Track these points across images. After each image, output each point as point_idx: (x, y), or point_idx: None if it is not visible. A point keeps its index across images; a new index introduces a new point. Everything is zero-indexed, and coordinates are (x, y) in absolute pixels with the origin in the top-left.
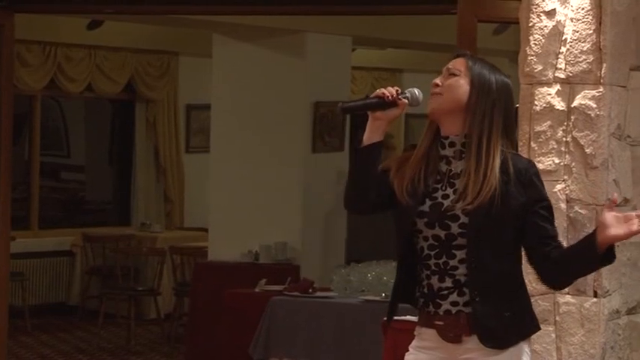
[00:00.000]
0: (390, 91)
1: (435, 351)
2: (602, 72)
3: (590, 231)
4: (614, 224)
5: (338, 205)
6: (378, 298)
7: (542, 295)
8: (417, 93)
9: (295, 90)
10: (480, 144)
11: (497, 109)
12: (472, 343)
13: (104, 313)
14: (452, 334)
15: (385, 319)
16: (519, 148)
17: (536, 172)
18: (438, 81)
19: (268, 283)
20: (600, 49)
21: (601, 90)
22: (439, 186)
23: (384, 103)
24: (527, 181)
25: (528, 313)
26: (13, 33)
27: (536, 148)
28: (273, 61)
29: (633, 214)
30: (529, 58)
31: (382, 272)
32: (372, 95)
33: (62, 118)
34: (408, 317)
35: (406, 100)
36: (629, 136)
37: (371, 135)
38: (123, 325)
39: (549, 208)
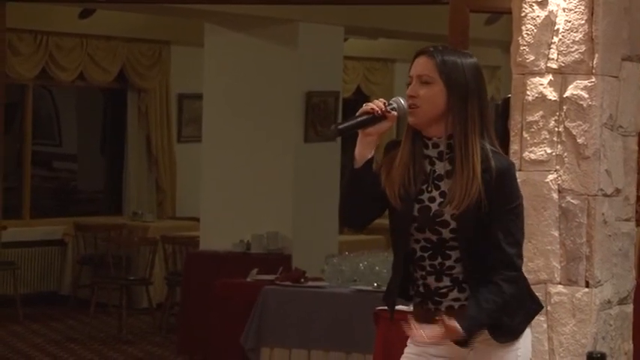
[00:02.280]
0: (378, 105)
1: (438, 345)
2: (594, 62)
3: (582, 221)
4: None
5: (329, 195)
6: (369, 288)
7: (533, 285)
8: (402, 102)
9: (287, 80)
10: (462, 145)
11: (472, 105)
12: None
13: (96, 303)
14: None
15: (386, 309)
16: (511, 139)
17: (512, 174)
18: (412, 92)
19: (260, 273)
20: (592, 39)
21: (593, 80)
22: (424, 187)
23: (375, 118)
24: (500, 182)
25: (528, 295)
26: (4, 22)
27: (528, 138)
28: (265, 50)
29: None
30: (521, 48)
31: (374, 262)
32: (360, 112)
33: (54, 107)
34: (400, 307)
35: (395, 113)
36: (621, 126)
37: (363, 151)
38: (114, 315)
39: (512, 211)
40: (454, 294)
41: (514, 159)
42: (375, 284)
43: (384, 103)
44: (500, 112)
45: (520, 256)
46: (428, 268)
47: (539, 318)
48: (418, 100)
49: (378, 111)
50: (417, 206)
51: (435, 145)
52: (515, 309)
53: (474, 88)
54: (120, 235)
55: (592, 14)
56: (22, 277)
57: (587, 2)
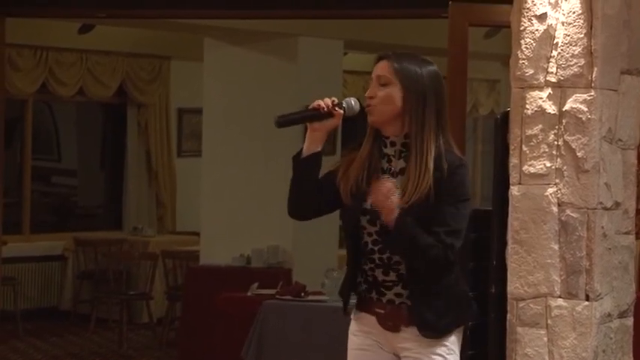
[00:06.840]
0: (325, 102)
1: (374, 336)
2: (593, 76)
3: (582, 234)
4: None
5: None
6: None
7: (533, 298)
8: (352, 103)
9: (287, 94)
10: (417, 144)
11: (429, 107)
12: (409, 333)
13: (96, 318)
14: (391, 323)
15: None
16: (510, 152)
17: (463, 172)
18: (370, 94)
19: (260, 287)
20: (591, 52)
21: (592, 94)
22: None
23: (320, 115)
24: (450, 177)
25: (465, 301)
26: (4, 37)
27: (527, 151)
28: (264, 64)
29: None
30: (520, 61)
31: None
32: (309, 107)
33: (53, 122)
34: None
35: (342, 111)
36: (620, 140)
37: (309, 146)
38: (115, 330)
39: (455, 204)
40: (398, 289)
41: (513, 173)
42: None
43: (333, 101)
44: (499, 126)
45: (455, 247)
46: (377, 261)
47: (539, 331)
48: (376, 100)
49: (323, 108)
50: (369, 200)
51: (392, 144)
52: (446, 308)
53: (431, 90)
54: (120, 250)
55: (591, 28)
56: (23, 293)
57: (586, 16)
